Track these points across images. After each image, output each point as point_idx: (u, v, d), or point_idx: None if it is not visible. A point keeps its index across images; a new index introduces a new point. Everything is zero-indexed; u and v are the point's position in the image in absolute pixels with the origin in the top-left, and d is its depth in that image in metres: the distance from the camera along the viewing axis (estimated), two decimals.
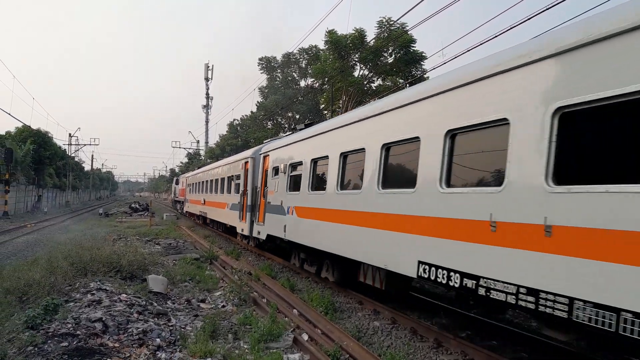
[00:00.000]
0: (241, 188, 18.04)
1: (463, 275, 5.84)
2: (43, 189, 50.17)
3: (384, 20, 26.43)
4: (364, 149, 8.51)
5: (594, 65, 4.47)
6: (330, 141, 10.27)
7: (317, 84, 33.39)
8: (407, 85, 24.30)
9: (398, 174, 7.73)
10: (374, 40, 26.63)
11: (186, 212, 39.35)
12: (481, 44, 12.69)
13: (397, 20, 25.96)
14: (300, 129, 14.11)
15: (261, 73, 41.01)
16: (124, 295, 8.77)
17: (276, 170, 13.99)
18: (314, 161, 11.11)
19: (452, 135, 6.31)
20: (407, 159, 7.38)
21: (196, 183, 33.29)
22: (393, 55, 28.18)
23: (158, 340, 6.80)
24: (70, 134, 67.94)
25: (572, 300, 4.36)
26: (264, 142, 20.06)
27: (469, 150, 6.22)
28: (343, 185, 9.57)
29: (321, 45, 31.57)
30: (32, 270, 9.76)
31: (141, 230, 24.10)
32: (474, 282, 5.65)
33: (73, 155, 69.73)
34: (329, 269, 11.12)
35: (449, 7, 12.92)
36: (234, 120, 50.03)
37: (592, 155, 4.74)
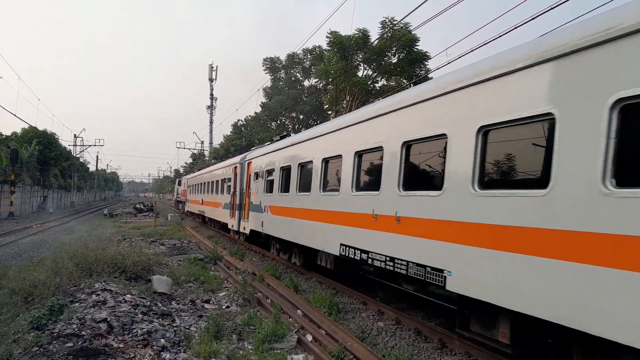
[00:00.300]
0: (231, 190, 20.49)
1: (360, 251, 8.53)
2: (48, 190, 50.44)
3: (387, 20, 26.40)
4: (312, 160, 11.26)
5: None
6: (291, 154, 12.98)
7: (321, 85, 33.39)
8: (411, 85, 24.26)
9: (334, 181, 10.23)
10: (377, 41, 26.60)
11: (187, 211, 41.26)
12: (485, 44, 12.67)
13: (401, 20, 25.90)
14: (276, 140, 16.61)
15: (265, 73, 41.05)
16: (129, 295, 8.80)
17: (257, 175, 16.64)
18: (283, 168, 13.69)
19: (359, 155, 9.00)
20: (336, 170, 10.09)
21: (196, 184, 35.37)
22: (397, 55, 28.15)
23: (162, 340, 6.82)
24: (75, 135, 68.43)
25: (411, 263, 6.98)
26: (251, 149, 22.60)
27: (365, 167, 8.95)
28: (300, 188, 12.04)
29: (325, 46, 31.56)
30: (37, 271, 9.82)
31: (146, 231, 24.19)
32: (366, 255, 8.34)
33: (78, 156, 70.15)
34: (297, 255, 13.59)
35: (454, 7, 12.90)
36: (238, 120, 50.14)
37: (414, 174, 7.37)
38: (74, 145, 67.55)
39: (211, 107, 65.52)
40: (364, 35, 27.70)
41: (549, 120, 4.85)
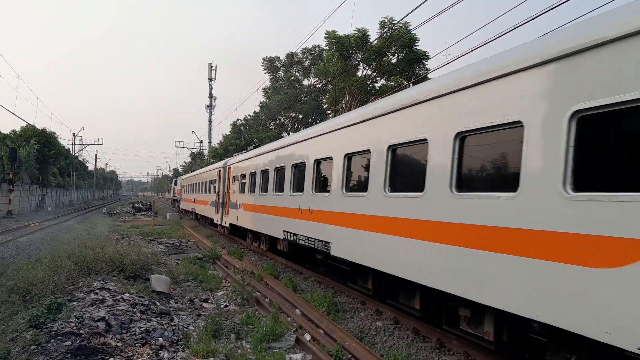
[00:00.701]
0: (216, 190, 24.03)
1: (295, 235, 11.85)
2: (47, 189, 50.37)
3: (387, 20, 26.40)
4: (268, 169, 14.69)
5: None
6: (256, 162, 16.63)
7: (320, 84, 33.39)
8: (410, 84, 24.26)
9: (281, 184, 13.37)
10: (376, 40, 26.60)
11: (182, 209, 44.23)
12: (485, 44, 12.67)
13: (400, 20, 25.89)
14: (249, 150, 19.83)
15: (265, 73, 41.00)
16: (127, 294, 8.80)
17: (234, 178, 20.18)
18: (250, 173, 17.33)
19: (293, 166, 12.49)
20: (282, 176, 13.30)
21: (189, 184, 39.28)
22: (396, 55, 28.14)
23: (161, 339, 6.82)
24: (74, 134, 68.27)
25: (310, 239, 10.61)
26: (234, 154, 25.35)
27: (297, 175, 12.25)
28: (262, 189, 15.57)
29: (324, 45, 31.55)
30: (35, 270, 9.80)
31: (144, 230, 24.16)
32: (295, 236, 11.78)
33: (77, 154, 70.03)
34: (264, 242, 17.00)
35: (453, 7, 12.90)
36: (237, 120, 50.09)
37: (320, 181, 10.73)
38: (72, 144, 67.46)
39: (210, 107, 65.39)
40: (363, 35, 27.69)
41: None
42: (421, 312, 7.49)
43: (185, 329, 7.61)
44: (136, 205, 50.47)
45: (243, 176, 18.42)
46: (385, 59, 28.19)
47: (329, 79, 29.40)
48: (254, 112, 45.00)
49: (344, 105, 29.89)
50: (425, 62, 27.58)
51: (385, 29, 26.36)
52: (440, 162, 6.26)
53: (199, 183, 32.09)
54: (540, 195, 4.74)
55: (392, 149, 7.56)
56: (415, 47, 27.19)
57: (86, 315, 7.15)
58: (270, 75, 40.86)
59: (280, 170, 13.61)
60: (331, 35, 28.13)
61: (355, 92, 28.92)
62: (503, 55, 5.67)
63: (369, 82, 29.51)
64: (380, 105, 8.37)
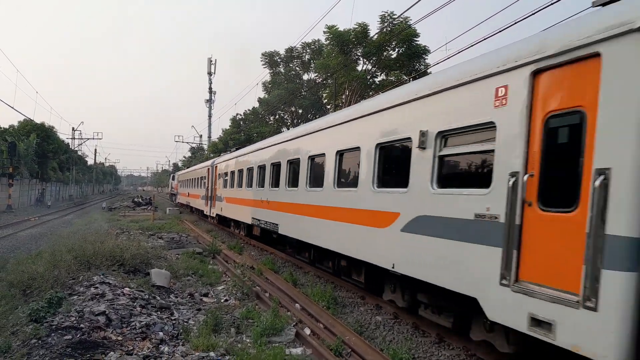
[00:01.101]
0: (206, 185, 27.88)
1: (258, 220, 15.42)
2: (46, 183, 50.33)
3: (387, 15, 26.27)
4: (242, 169, 18.69)
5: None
6: (233, 163, 20.87)
7: (320, 79, 33.27)
8: (410, 79, 24.17)
9: (251, 181, 17.11)
10: (377, 35, 26.48)
11: (178, 202, 47.82)
12: (485, 39, 12.61)
13: (401, 15, 25.75)
14: (232, 151, 23.98)
15: (264, 68, 40.83)
16: (127, 289, 8.80)
17: (220, 175, 23.89)
18: (231, 172, 21.11)
19: (259, 167, 16.12)
20: (251, 175, 17.11)
21: (184, 180, 43.36)
22: (396, 50, 28.03)
23: (161, 333, 6.83)
24: (73, 128, 68.12)
25: (268, 222, 14.31)
26: (222, 154, 29.32)
27: (261, 175, 15.78)
28: (239, 184, 19.14)
29: (324, 40, 31.41)
30: (35, 264, 9.81)
31: (144, 225, 24.18)
32: (258, 220, 15.44)
33: (76, 149, 69.92)
34: (243, 229, 20.20)
35: (453, 2, 12.83)
36: (237, 115, 49.93)
37: (276, 178, 14.05)
38: (72, 139, 67.34)
39: (210, 101, 65.23)
40: (363, 29, 27.57)
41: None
42: (332, 270, 11.16)
43: (185, 323, 7.63)
44: (136, 199, 50.46)
45: (225, 174, 22.36)
46: (385, 53, 28.07)
47: (329, 74, 29.30)
48: (252, 108, 44.91)
49: (343, 100, 29.80)
50: (426, 57, 27.50)
51: (386, 24, 26.23)
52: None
53: (192, 179, 36.30)
54: (365, 190, 8.35)
55: (311, 158, 11.33)
56: (416, 42, 27.08)
57: (86, 310, 7.15)
58: (270, 70, 40.70)
59: (250, 170, 17.33)
60: (331, 31, 28.00)
61: (355, 87, 28.84)
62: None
63: (369, 77, 29.42)
64: (297, 131, 13.09)
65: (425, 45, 27.27)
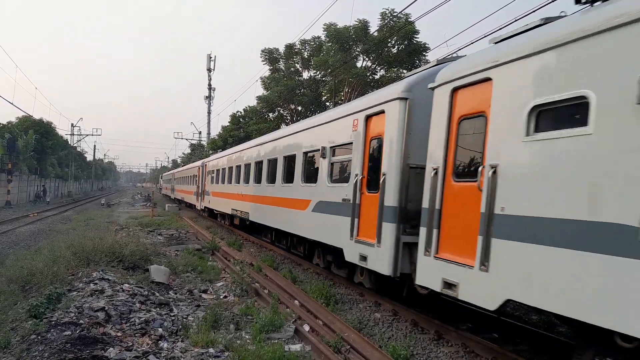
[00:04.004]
0: (197, 182, 31.65)
1: (236, 210, 19.04)
2: (45, 179, 50.23)
3: (387, 12, 26.20)
4: (224, 168, 22.36)
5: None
6: (217, 162, 24.91)
7: (320, 76, 33.18)
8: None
9: (230, 178, 20.76)
10: (377, 32, 26.42)
11: (175, 197, 51.14)
12: (485, 36, 12.58)
13: (402, 11, 25.66)
14: (219, 151, 28.51)
15: (263, 64, 40.69)
16: (127, 285, 8.80)
17: (209, 173, 27.35)
18: (216, 170, 25.00)
19: (237, 167, 20.01)
20: (231, 173, 20.75)
21: (180, 177, 47.07)
22: (396, 47, 27.97)
23: (160, 329, 6.84)
24: (72, 124, 67.92)
25: (242, 212, 17.92)
26: (212, 153, 34.06)
27: (236, 173, 19.76)
28: (222, 181, 22.71)
29: (324, 37, 31.31)
30: (35, 260, 9.82)
31: (143, 221, 24.15)
32: (236, 211, 19.01)
33: (75, 145, 69.76)
34: (227, 220, 23.53)
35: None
36: (237, 112, 49.79)
37: (247, 176, 18.03)
38: (71, 135, 67.16)
39: (209, 98, 64.96)
40: (363, 26, 27.49)
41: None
42: (286, 247, 14.70)
43: (184, 320, 7.63)
44: (135, 196, 50.43)
45: (212, 171, 26.03)
46: (385, 49, 28.00)
47: (329, 70, 29.24)
48: (248, 106, 44.81)
49: (343, 97, 29.74)
50: (426, 54, 27.44)
51: (387, 20, 26.17)
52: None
53: (186, 177, 40.97)
54: (297, 185, 11.88)
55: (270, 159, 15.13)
56: (416, 39, 27.03)
57: (86, 306, 7.16)
58: (269, 67, 40.54)
59: (230, 169, 20.83)
60: (330, 29, 27.91)
61: (354, 84, 28.78)
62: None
63: (368, 74, 29.35)
64: (260, 140, 17.39)
65: (425, 43, 27.25)
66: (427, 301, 9.06)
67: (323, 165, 10.25)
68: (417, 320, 7.99)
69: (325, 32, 28.39)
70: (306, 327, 7.59)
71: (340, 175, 9.76)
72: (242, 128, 45.90)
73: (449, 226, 6.18)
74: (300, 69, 39.18)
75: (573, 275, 4.31)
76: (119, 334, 6.42)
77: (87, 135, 71.38)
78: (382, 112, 7.91)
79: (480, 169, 5.59)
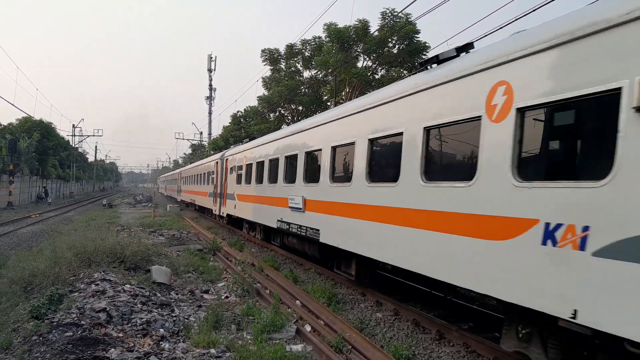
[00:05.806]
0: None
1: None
2: (47, 180, 50.28)
3: (388, 12, 26.19)
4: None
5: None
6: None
7: (321, 75, 33.18)
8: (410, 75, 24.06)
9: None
10: (377, 32, 26.40)
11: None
12: (485, 36, 12.56)
13: (402, 11, 25.65)
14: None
15: (264, 64, 40.70)
16: (128, 285, 8.81)
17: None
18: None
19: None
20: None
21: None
22: (397, 47, 27.97)
23: (162, 330, 6.84)
24: (73, 125, 67.99)
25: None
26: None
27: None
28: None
29: (324, 37, 31.31)
30: (36, 261, 9.82)
31: (145, 222, 24.18)
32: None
33: (77, 146, 69.84)
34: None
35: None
36: (238, 112, 49.82)
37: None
38: (72, 136, 67.23)
39: (210, 98, 65.02)
40: (363, 26, 27.47)
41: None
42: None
43: (186, 320, 7.64)
44: (136, 197, 50.48)
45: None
46: (386, 49, 27.98)
47: (329, 70, 29.24)
48: (249, 107, 44.84)
49: (344, 97, 29.73)
50: (426, 54, 27.41)
51: (387, 20, 26.15)
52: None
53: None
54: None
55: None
56: (416, 39, 27.02)
57: (87, 306, 7.16)
58: (270, 67, 40.55)
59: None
60: (330, 29, 27.89)
61: (355, 84, 28.76)
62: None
63: (369, 74, 29.33)
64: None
65: (425, 42, 27.24)
66: (428, 300, 9.07)
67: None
68: (419, 319, 7.98)
69: (326, 32, 28.38)
70: (307, 328, 7.59)
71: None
72: (242, 128, 45.92)
73: None
74: (301, 68, 39.15)
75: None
76: (120, 335, 6.43)
77: (89, 136, 71.51)
78: None
79: None
